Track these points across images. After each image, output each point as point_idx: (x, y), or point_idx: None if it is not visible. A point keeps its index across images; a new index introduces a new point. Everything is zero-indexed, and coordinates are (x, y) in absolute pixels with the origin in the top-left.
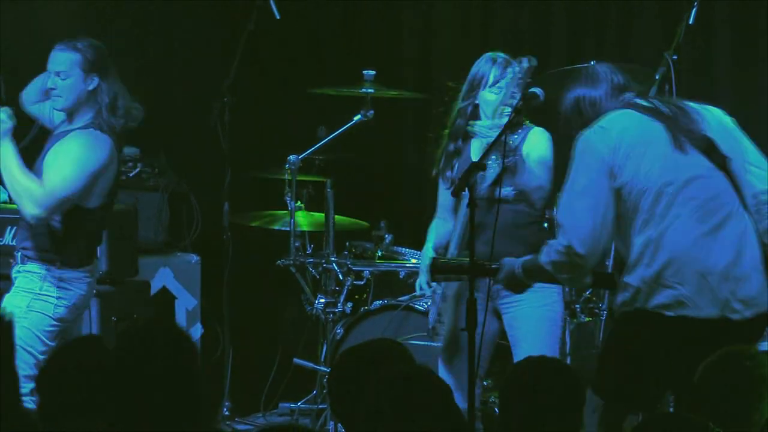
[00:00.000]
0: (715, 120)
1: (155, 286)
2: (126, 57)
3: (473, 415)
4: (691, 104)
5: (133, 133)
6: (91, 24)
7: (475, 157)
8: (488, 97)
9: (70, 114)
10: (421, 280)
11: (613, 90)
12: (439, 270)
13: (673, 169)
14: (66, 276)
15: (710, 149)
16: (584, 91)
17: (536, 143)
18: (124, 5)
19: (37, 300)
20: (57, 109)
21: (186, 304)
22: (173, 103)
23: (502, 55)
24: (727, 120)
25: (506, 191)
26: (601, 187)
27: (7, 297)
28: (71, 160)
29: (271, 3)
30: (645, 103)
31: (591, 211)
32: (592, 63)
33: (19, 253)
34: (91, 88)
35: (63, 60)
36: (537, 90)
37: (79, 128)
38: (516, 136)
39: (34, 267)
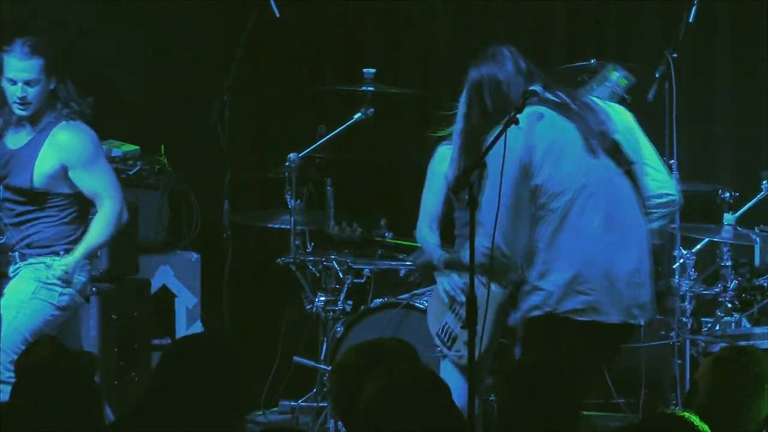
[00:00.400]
0: (621, 121)
1: (155, 285)
2: (126, 56)
3: (473, 414)
4: (598, 102)
5: (134, 131)
6: (91, 24)
7: None
8: None
9: (34, 117)
10: (447, 284)
11: (518, 73)
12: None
13: (585, 174)
14: None
15: (617, 152)
16: (489, 70)
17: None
18: (124, 5)
19: (43, 288)
20: (21, 116)
21: (186, 303)
22: (173, 101)
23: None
24: (631, 120)
25: None
26: (518, 187)
27: (10, 284)
28: (91, 155)
29: (272, 2)
30: (554, 98)
31: (512, 211)
32: (592, 61)
33: (17, 253)
34: (52, 87)
35: (30, 68)
36: (537, 87)
37: (64, 122)
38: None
39: (39, 260)
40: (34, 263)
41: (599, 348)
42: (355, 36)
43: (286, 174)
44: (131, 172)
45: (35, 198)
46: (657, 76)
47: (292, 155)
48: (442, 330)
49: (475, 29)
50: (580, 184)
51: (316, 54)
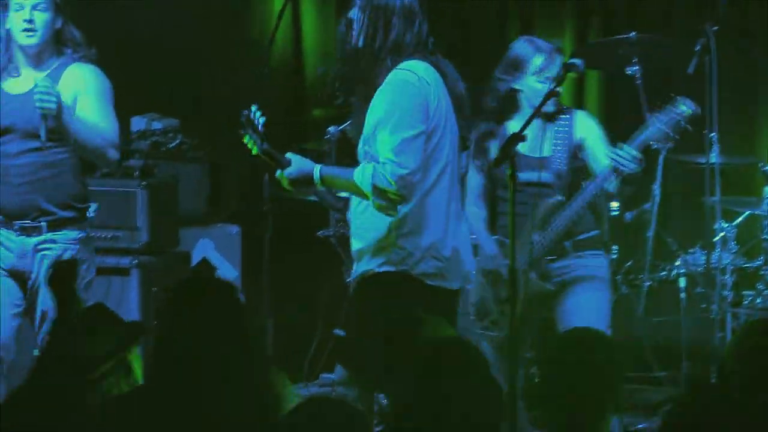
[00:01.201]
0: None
1: (196, 257)
2: (166, 26)
3: (515, 387)
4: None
5: (173, 103)
6: None
7: None
8: (535, 86)
9: (38, 56)
10: (490, 264)
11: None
12: None
13: (453, 147)
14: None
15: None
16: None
17: (589, 126)
18: None
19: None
20: (25, 46)
21: (226, 275)
22: (213, 73)
23: (543, 41)
24: None
25: (546, 176)
26: (424, 134)
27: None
28: (103, 97)
29: None
30: (437, 60)
31: (421, 153)
32: (632, 34)
33: (44, 222)
34: (58, 26)
35: None
36: (576, 60)
37: (77, 61)
38: (563, 122)
39: (68, 234)
40: (64, 239)
41: (438, 311)
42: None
43: (327, 147)
44: (171, 145)
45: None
46: (697, 49)
47: (332, 128)
48: (479, 302)
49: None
50: (450, 157)
51: None
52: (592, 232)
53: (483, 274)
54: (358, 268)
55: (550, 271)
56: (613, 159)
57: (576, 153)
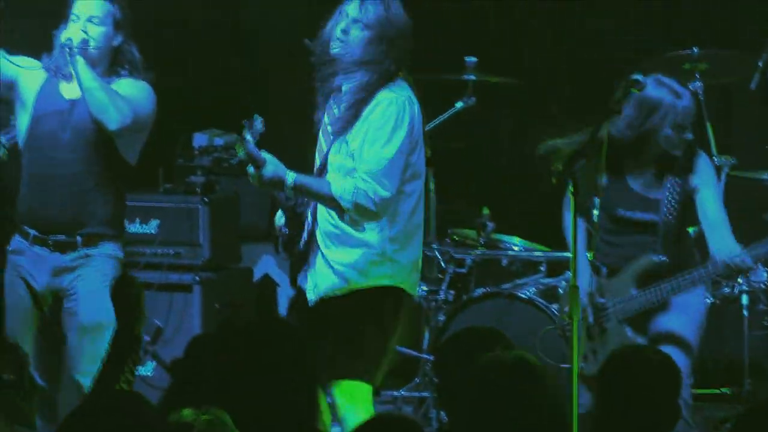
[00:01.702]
0: None
1: (258, 273)
2: (228, 43)
3: (576, 404)
4: None
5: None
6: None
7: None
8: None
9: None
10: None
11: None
12: None
13: (422, 164)
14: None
15: None
16: (406, 22)
17: (707, 174)
18: None
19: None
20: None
21: (288, 292)
22: (273, 91)
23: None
24: None
25: (650, 216)
26: (406, 155)
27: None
28: (141, 88)
29: None
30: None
31: (402, 173)
32: (694, 49)
33: (80, 237)
34: (116, 43)
35: (97, 6)
36: (639, 76)
37: (125, 77)
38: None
39: (105, 249)
40: (102, 254)
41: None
42: (455, 23)
43: None
44: (233, 161)
45: None
46: (760, 64)
47: None
48: (563, 312)
49: (574, 18)
50: (424, 176)
51: (417, 40)
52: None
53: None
54: (349, 282)
55: (646, 322)
56: (729, 265)
57: (688, 200)
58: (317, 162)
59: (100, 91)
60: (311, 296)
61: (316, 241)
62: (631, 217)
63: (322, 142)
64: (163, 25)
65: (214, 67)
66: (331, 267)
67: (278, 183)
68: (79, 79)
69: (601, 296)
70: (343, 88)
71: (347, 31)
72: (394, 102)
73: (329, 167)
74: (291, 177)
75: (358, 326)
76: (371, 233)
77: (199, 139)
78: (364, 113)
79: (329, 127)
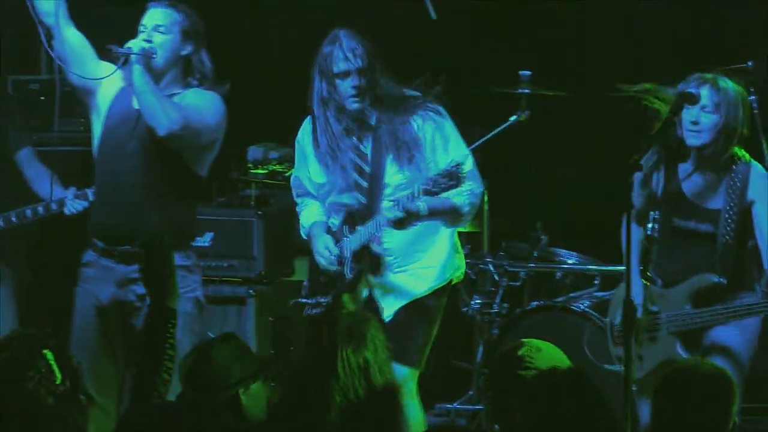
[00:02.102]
0: None
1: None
2: (279, 48)
3: (630, 416)
4: None
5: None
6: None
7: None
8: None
9: (157, 79)
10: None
11: None
12: None
13: None
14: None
15: None
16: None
17: (762, 187)
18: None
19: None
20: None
21: None
22: None
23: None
24: None
25: (706, 227)
26: None
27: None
28: (205, 98)
29: (427, 2)
30: None
31: None
32: (749, 63)
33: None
34: (185, 53)
35: (164, 15)
36: (693, 89)
37: (195, 87)
38: (737, 175)
39: (179, 258)
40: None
41: None
42: (510, 37)
43: None
44: (287, 174)
45: None
46: None
47: None
48: (612, 325)
49: (629, 30)
50: None
51: (471, 54)
52: (748, 300)
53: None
54: (430, 283)
55: (698, 335)
56: None
57: (746, 212)
58: (360, 184)
59: (151, 96)
60: (388, 314)
61: (377, 262)
62: (686, 227)
63: (355, 165)
64: (223, 36)
65: (270, 79)
66: (412, 275)
67: (414, 218)
68: (134, 85)
69: (653, 305)
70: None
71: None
72: (444, 114)
73: (387, 189)
74: (424, 206)
75: (431, 323)
76: (439, 238)
77: (254, 153)
78: (414, 129)
79: (368, 152)
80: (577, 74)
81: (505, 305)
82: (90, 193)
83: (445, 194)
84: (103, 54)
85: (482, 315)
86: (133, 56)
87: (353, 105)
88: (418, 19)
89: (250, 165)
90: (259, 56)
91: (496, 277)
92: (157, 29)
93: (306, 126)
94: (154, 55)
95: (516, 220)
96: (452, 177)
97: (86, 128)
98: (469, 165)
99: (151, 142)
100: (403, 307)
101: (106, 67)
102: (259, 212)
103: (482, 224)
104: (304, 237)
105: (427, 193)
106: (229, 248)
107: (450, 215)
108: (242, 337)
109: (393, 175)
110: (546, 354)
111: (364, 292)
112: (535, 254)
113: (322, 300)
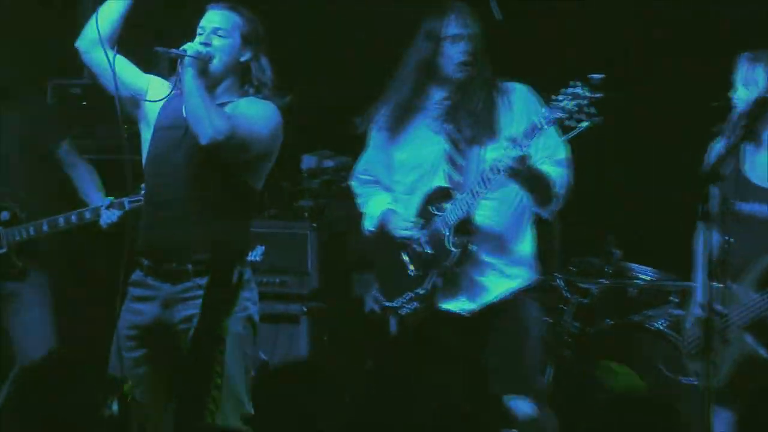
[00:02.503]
0: None
1: (369, 304)
2: (337, 62)
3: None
4: None
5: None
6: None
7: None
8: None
9: (213, 86)
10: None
11: None
12: None
13: None
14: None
15: None
16: None
17: None
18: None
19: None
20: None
21: None
22: None
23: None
24: None
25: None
26: None
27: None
28: (259, 108)
29: (493, 4)
30: None
31: None
32: None
33: (191, 265)
34: (243, 59)
35: (223, 18)
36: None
37: (251, 96)
38: None
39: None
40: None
41: None
42: (575, 37)
43: None
44: (343, 184)
45: None
46: None
47: None
48: (691, 340)
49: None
50: None
51: (538, 59)
52: None
53: (694, 320)
54: (521, 279)
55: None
56: None
57: None
58: (455, 160)
59: (198, 101)
60: (471, 306)
61: (472, 252)
62: (749, 211)
63: (450, 138)
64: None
65: (327, 83)
66: (500, 269)
67: (524, 174)
68: (183, 90)
69: (722, 305)
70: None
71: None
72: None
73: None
74: (535, 170)
75: (531, 331)
76: (532, 228)
77: (308, 161)
78: (504, 104)
79: (461, 135)
80: (653, 80)
81: (576, 324)
82: (126, 202)
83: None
84: (152, 59)
85: (552, 334)
86: (186, 59)
87: (458, 73)
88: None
89: (304, 174)
90: (316, 59)
91: (566, 294)
92: (217, 32)
93: (384, 108)
94: (212, 60)
95: (587, 233)
96: (532, 136)
97: (130, 136)
98: (562, 151)
99: (200, 153)
100: (492, 311)
101: (152, 79)
102: (314, 225)
103: (552, 238)
104: (371, 228)
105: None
106: (281, 263)
107: (544, 188)
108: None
109: (492, 152)
110: (621, 377)
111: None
112: (608, 270)
113: (421, 291)
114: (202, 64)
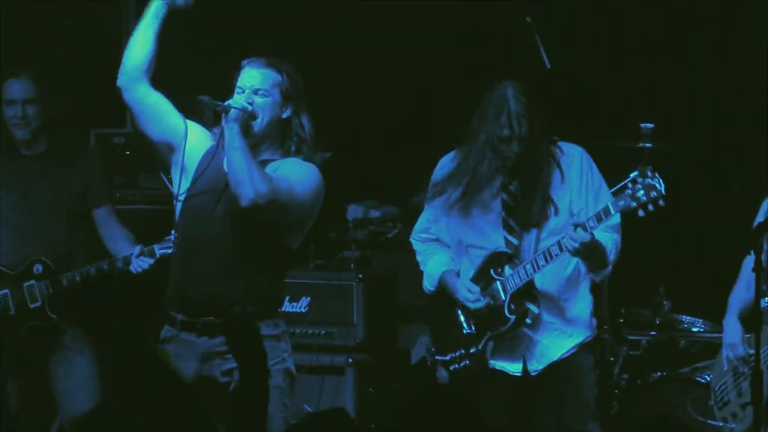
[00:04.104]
0: None
1: (416, 355)
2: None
3: None
4: None
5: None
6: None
7: None
8: None
9: (255, 145)
10: (730, 353)
11: None
12: None
13: None
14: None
15: None
16: None
17: None
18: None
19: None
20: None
21: (443, 375)
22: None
23: None
24: None
25: None
26: None
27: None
28: (301, 170)
29: (542, 51)
30: None
31: None
32: None
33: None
34: (285, 116)
35: (263, 76)
36: None
37: (293, 155)
38: None
39: (266, 328)
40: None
41: None
42: (621, 88)
43: None
44: (390, 235)
45: None
46: None
47: None
48: (720, 388)
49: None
50: None
51: (585, 107)
52: None
53: (726, 360)
54: (575, 338)
55: None
56: None
57: None
58: (511, 224)
59: (241, 160)
60: (536, 366)
61: (533, 312)
62: None
63: (505, 205)
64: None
65: (373, 133)
66: (559, 328)
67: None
68: (225, 145)
69: (751, 348)
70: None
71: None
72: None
73: (543, 232)
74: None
75: (588, 383)
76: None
77: (354, 211)
78: (556, 177)
79: (518, 193)
80: (696, 126)
81: (625, 376)
82: (157, 249)
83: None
84: (192, 107)
85: (600, 386)
86: (232, 112)
87: (510, 161)
88: (534, 68)
89: (350, 224)
90: (362, 108)
91: (615, 345)
92: (257, 92)
93: (446, 164)
94: (257, 118)
95: (636, 284)
96: (601, 221)
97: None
98: (617, 217)
99: (238, 209)
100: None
101: (192, 125)
102: (360, 276)
103: (601, 289)
104: (431, 288)
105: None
106: (327, 314)
107: (600, 257)
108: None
109: (545, 219)
110: None
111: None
112: (657, 321)
113: (473, 350)
114: (247, 120)
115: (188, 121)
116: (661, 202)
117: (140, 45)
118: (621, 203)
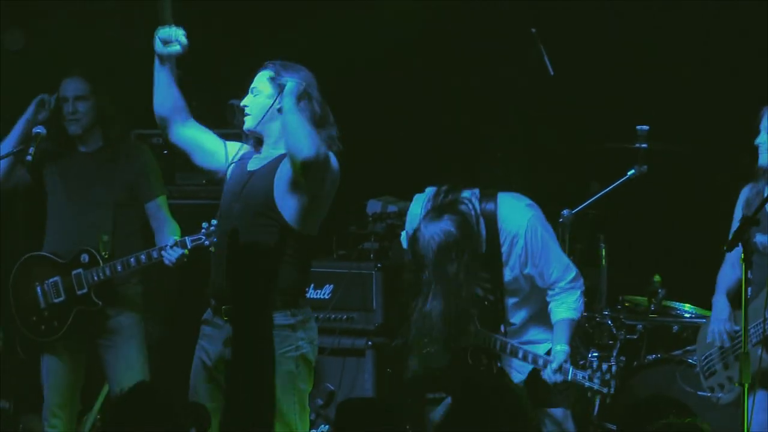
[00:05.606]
0: None
1: None
2: (402, 107)
3: None
4: None
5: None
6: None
7: None
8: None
9: (269, 136)
10: (718, 328)
11: None
12: None
13: None
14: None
15: None
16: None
17: None
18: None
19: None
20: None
21: None
22: (441, 153)
23: None
24: None
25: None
26: None
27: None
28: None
29: (545, 59)
30: None
31: None
32: None
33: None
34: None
35: (259, 77)
36: None
37: None
38: None
39: (281, 317)
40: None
41: None
42: (625, 92)
43: (559, 230)
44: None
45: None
46: None
47: (565, 212)
48: (705, 359)
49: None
50: None
51: (587, 110)
52: None
53: (711, 333)
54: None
55: None
56: None
57: None
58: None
59: (300, 120)
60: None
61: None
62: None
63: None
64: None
65: (392, 130)
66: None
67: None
68: (283, 109)
69: (737, 325)
70: None
71: None
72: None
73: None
74: (564, 348)
75: None
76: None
77: (373, 206)
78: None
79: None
80: (694, 127)
81: (622, 358)
82: (188, 241)
83: (561, 316)
84: (225, 112)
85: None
86: (289, 84)
87: None
88: (536, 75)
89: (370, 218)
90: (381, 105)
91: (613, 330)
92: (252, 90)
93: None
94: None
95: (633, 273)
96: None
97: (206, 182)
98: (569, 275)
99: (254, 203)
100: None
101: (229, 145)
102: (378, 265)
103: (600, 277)
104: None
105: None
106: (348, 300)
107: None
108: (361, 389)
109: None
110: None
111: None
112: (653, 307)
113: None
114: (299, 95)
115: (227, 143)
116: (605, 390)
117: (159, 96)
118: (582, 375)
